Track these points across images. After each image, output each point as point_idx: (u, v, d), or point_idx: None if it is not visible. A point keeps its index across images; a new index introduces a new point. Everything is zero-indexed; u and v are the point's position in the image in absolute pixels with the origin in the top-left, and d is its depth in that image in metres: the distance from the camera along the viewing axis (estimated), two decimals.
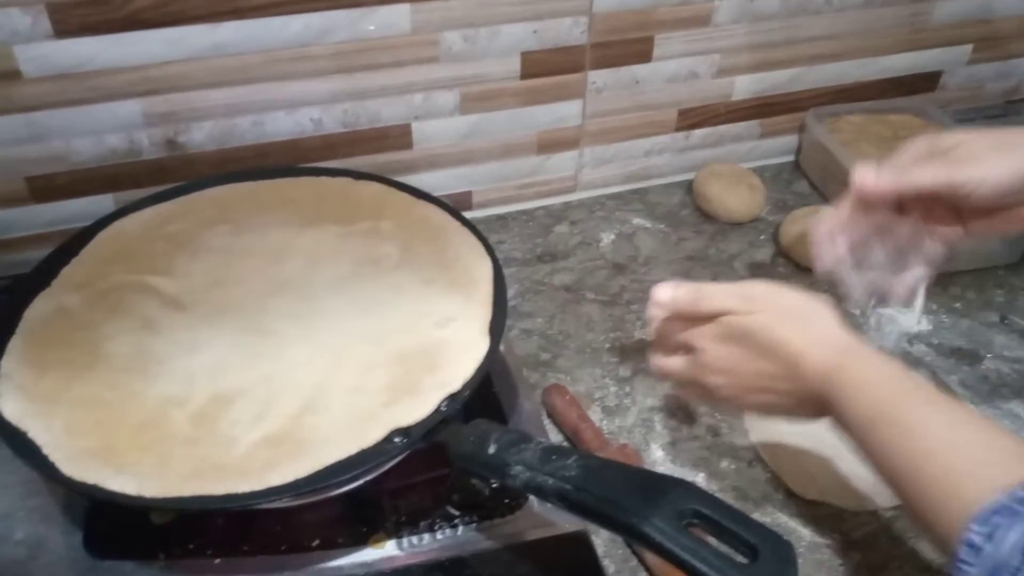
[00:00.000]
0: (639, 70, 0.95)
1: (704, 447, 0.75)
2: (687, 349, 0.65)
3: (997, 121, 1.12)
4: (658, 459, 0.74)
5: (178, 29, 0.77)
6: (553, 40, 0.89)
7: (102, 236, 0.73)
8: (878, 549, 0.67)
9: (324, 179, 0.80)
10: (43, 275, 0.69)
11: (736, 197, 0.98)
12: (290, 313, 0.67)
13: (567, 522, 0.63)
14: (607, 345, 0.84)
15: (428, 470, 0.65)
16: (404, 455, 0.59)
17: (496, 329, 0.65)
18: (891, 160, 0.67)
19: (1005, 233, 0.69)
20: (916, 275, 0.70)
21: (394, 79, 0.86)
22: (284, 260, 0.72)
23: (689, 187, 1.03)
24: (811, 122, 1.03)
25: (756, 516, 0.51)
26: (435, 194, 0.79)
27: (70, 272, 0.70)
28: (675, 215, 1.01)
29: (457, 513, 0.63)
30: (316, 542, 0.61)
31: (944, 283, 0.91)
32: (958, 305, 0.89)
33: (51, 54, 0.75)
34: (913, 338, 0.86)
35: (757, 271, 0.93)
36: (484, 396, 0.72)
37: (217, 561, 0.60)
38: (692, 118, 1.02)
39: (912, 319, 0.88)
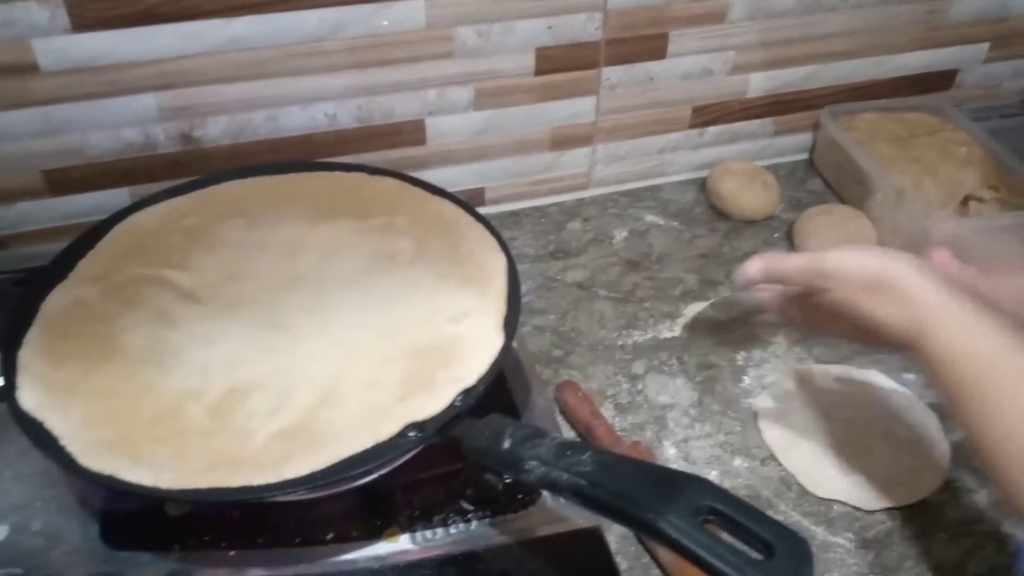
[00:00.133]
0: (653, 67, 0.95)
1: (717, 445, 0.74)
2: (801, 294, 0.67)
3: (1013, 120, 1.12)
4: (671, 457, 0.74)
5: (194, 23, 0.77)
6: (568, 36, 0.89)
7: (118, 229, 0.73)
8: (892, 548, 0.67)
9: (338, 174, 0.80)
10: (60, 268, 0.69)
11: (750, 195, 0.98)
12: (305, 307, 0.67)
13: (580, 518, 0.63)
14: (619, 342, 0.84)
15: (442, 465, 0.65)
16: (418, 449, 0.59)
17: (510, 325, 0.65)
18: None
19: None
20: None
21: (408, 75, 0.86)
22: (299, 254, 0.72)
23: (703, 184, 1.03)
24: (826, 120, 1.03)
25: (769, 514, 0.51)
26: (448, 190, 0.79)
27: (86, 265, 0.70)
28: (688, 212, 1.00)
29: (470, 508, 0.63)
30: (330, 535, 0.62)
31: None
32: None
33: (68, 48, 0.75)
34: None
35: None
36: (497, 392, 0.72)
37: (232, 553, 0.61)
38: (706, 115, 1.02)
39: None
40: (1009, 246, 0.72)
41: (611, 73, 0.94)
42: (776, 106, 1.04)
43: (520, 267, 0.71)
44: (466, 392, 0.60)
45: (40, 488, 0.64)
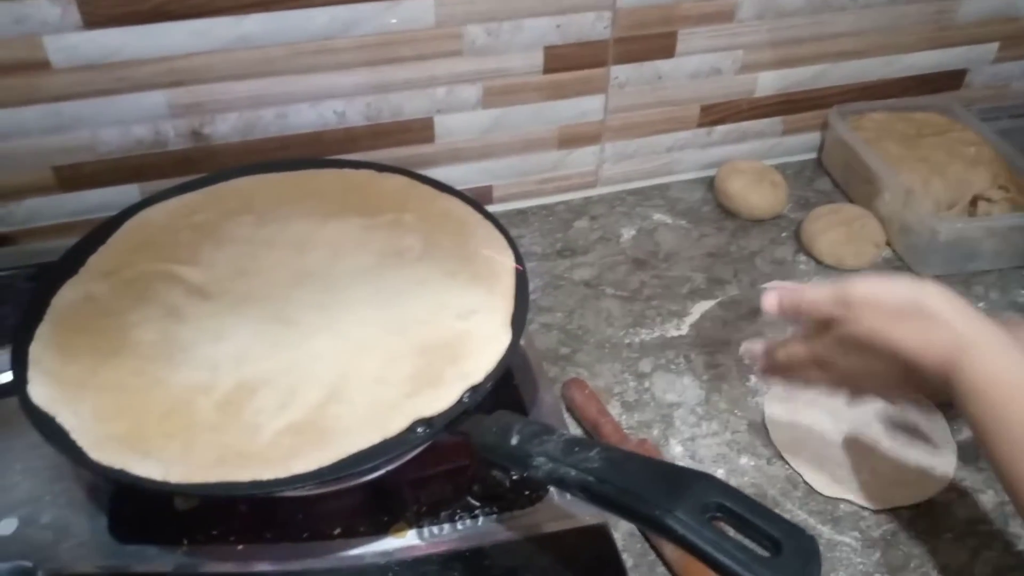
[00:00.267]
0: (662, 65, 0.95)
1: (724, 444, 0.74)
2: (812, 356, 0.63)
3: (1023, 120, 1.12)
4: (677, 455, 0.74)
5: (204, 21, 0.77)
6: (576, 35, 0.89)
7: (128, 225, 0.74)
8: (898, 548, 0.67)
9: (347, 171, 0.80)
10: (70, 263, 0.69)
11: (758, 194, 0.98)
12: (313, 303, 0.67)
13: (587, 515, 0.63)
14: (627, 340, 0.84)
15: (449, 461, 0.66)
16: (426, 445, 0.60)
17: (518, 322, 0.65)
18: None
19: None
20: None
21: (417, 72, 0.87)
22: (308, 251, 0.72)
23: (711, 183, 1.03)
24: (834, 119, 1.02)
25: (777, 512, 0.51)
26: (456, 188, 0.79)
27: (97, 260, 0.70)
28: (696, 211, 1.00)
29: (477, 504, 0.64)
30: (338, 530, 0.62)
31: (967, 282, 0.91)
32: (981, 305, 0.89)
33: (79, 45, 0.75)
34: None
35: (778, 269, 0.92)
36: (505, 389, 0.72)
37: (239, 547, 0.61)
38: (714, 114, 1.02)
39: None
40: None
41: (619, 72, 0.94)
42: (784, 105, 1.04)
43: (527, 265, 0.71)
44: (474, 389, 0.60)
45: (49, 482, 0.64)
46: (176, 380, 0.61)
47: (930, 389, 0.61)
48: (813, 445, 0.74)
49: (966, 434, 0.74)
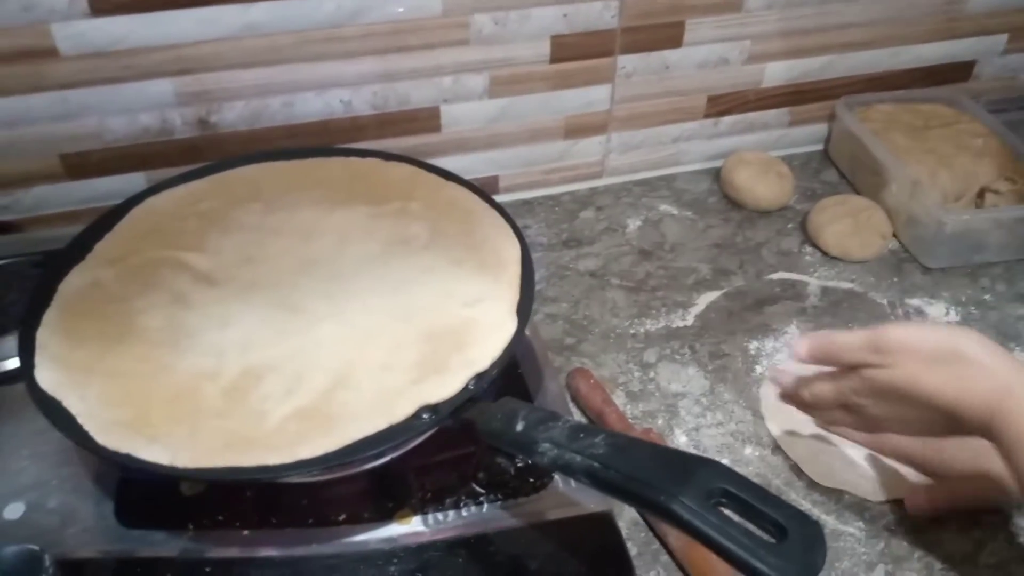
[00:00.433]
0: (669, 55, 0.95)
1: (728, 434, 0.74)
2: (840, 400, 0.62)
3: None
4: (682, 444, 0.74)
5: (211, 9, 0.77)
6: (583, 24, 0.89)
7: (135, 212, 0.74)
8: (902, 538, 0.67)
9: (354, 159, 0.80)
10: (78, 250, 0.70)
11: (764, 185, 0.97)
12: (320, 291, 0.67)
13: (591, 502, 0.63)
14: (632, 331, 0.84)
15: (454, 448, 0.66)
16: (431, 432, 0.60)
17: (523, 310, 0.65)
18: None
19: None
20: None
21: (424, 61, 0.87)
22: (314, 239, 0.72)
23: (717, 174, 1.02)
24: (841, 111, 1.02)
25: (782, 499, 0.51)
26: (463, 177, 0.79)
27: (104, 247, 0.70)
28: (702, 202, 1.00)
29: (482, 491, 0.64)
30: (343, 516, 0.62)
31: (974, 274, 0.91)
32: (987, 297, 0.88)
33: (87, 32, 0.75)
34: None
35: (784, 260, 0.92)
36: (510, 378, 0.72)
37: (245, 533, 0.61)
38: (721, 105, 1.01)
39: (940, 310, 0.87)
40: None
41: (626, 61, 0.94)
42: (792, 96, 1.03)
43: (533, 255, 0.71)
44: (479, 376, 0.60)
45: (56, 467, 0.64)
46: (182, 366, 0.62)
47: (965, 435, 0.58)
48: (811, 437, 0.73)
49: None
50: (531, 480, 0.64)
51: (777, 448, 0.73)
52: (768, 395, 0.77)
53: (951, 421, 0.54)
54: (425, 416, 0.57)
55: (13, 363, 0.63)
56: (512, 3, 0.85)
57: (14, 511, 0.61)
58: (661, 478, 0.46)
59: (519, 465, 0.65)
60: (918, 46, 1.03)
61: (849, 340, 0.59)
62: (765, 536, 0.44)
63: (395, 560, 0.60)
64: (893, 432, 0.61)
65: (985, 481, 0.63)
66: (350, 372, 0.61)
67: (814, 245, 0.94)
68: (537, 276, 0.68)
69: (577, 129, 0.98)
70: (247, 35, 0.80)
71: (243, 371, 0.61)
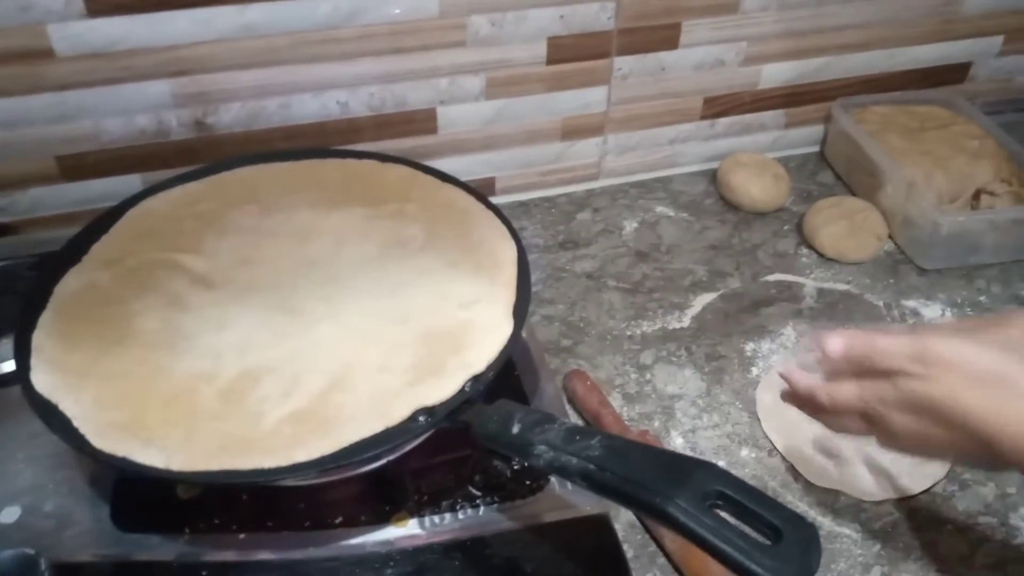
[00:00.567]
0: (665, 57, 0.95)
1: (724, 435, 0.75)
2: (862, 407, 0.56)
3: None
4: (678, 446, 0.74)
5: (208, 10, 0.77)
6: (580, 25, 0.89)
7: (131, 214, 0.74)
8: (898, 539, 0.67)
9: (351, 161, 0.80)
10: (74, 252, 0.69)
11: (760, 187, 0.97)
12: (317, 293, 0.67)
13: (588, 504, 0.63)
14: (628, 332, 0.84)
15: (451, 450, 0.66)
16: (428, 434, 0.60)
17: (520, 312, 0.65)
18: None
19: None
20: None
21: (421, 63, 0.87)
22: (311, 240, 0.72)
23: (713, 176, 1.03)
24: (837, 112, 1.02)
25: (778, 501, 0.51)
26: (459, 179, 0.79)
27: (100, 249, 0.70)
28: (699, 204, 1.00)
29: (479, 493, 0.64)
30: (339, 519, 0.62)
31: (969, 275, 0.91)
32: (983, 299, 0.89)
33: (83, 33, 0.75)
34: None
35: (780, 261, 0.92)
36: (506, 380, 0.72)
37: (241, 536, 0.61)
38: (718, 106, 1.01)
39: (935, 312, 0.87)
40: None
41: (623, 63, 0.94)
42: (788, 98, 1.04)
43: (529, 257, 0.71)
44: (475, 378, 0.60)
45: (52, 470, 0.64)
46: (179, 369, 0.61)
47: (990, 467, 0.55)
48: (806, 436, 0.73)
49: None
50: (527, 482, 0.64)
51: (773, 450, 0.73)
52: (764, 397, 0.77)
53: (983, 449, 0.50)
54: (421, 419, 0.57)
55: (8, 366, 0.62)
56: (508, 4, 0.85)
57: (10, 515, 0.61)
58: (656, 480, 0.46)
59: (515, 468, 0.65)
60: (914, 48, 1.03)
61: (891, 345, 0.54)
62: (760, 538, 0.44)
63: (392, 563, 0.60)
64: (909, 452, 0.56)
65: None
66: (347, 374, 0.61)
67: (810, 247, 0.94)
68: (534, 278, 0.68)
69: (573, 131, 0.98)
70: (244, 36, 0.80)
71: (240, 373, 0.61)
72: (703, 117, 1.02)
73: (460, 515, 0.63)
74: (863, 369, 0.55)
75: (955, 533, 0.68)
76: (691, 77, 0.98)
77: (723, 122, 1.03)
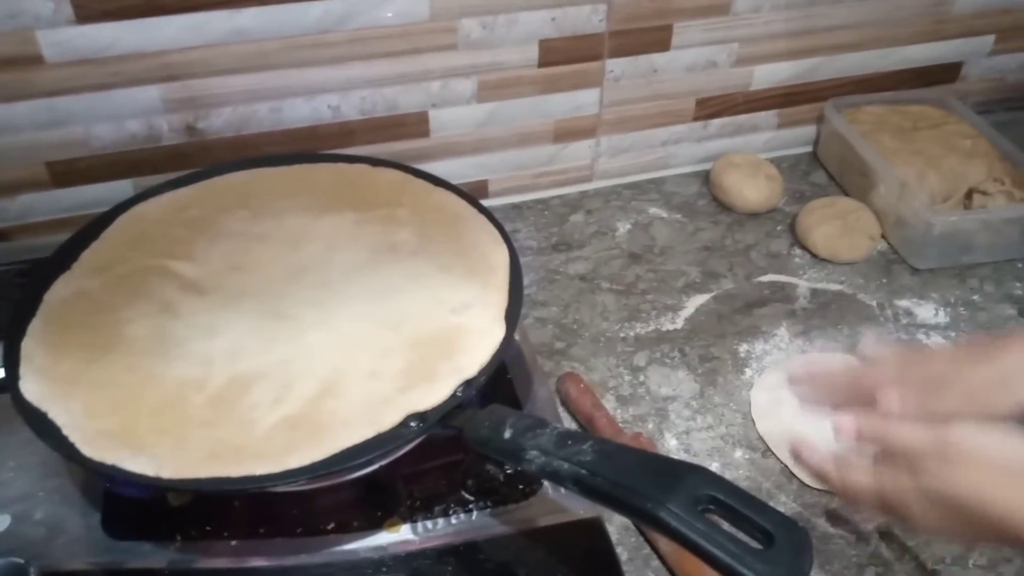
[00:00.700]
0: (657, 59, 0.95)
1: (718, 437, 0.74)
2: (879, 498, 0.53)
3: (1018, 113, 1.12)
4: (672, 448, 0.74)
5: (198, 15, 0.77)
6: (571, 28, 0.89)
7: (122, 220, 0.73)
8: (891, 540, 0.67)
9: (342, 165, 0.80)
10: (63, 258, 0.69)
11: (753, 187, 0.97)
12: (308, 298, 0.67)
13: (581, 508, 0.63)
14: (622, 334, 0.84)
15: (443, 455, 0.66)
16: (420, 440, 0.60)
17: (512, 316, 0.65)
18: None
19: None
20: None
21: (412, 66, 0.86)
22: (302, 246, 0.72)
23: (706, 177, 1.02)
24: (830, 113, 1.02)
25: (770, 505, 0.51)
26: (451, 182, 0.79)
27: (90, 256, 0.70)
28: (692, 205, 1.00)
29: (471, 498, 0.64)
30: (332, 525, 0.62)
31: (962, 275, 0.91)
32: (976, 298, 0.89)
33: (72, 39, 0.75)
34: (930, 330, 0.85)
35: (774, 262, 0.92)
36: (499, 383, 0.72)
37: (233, 543, 0.61)
38: (710, 108, 1.01)
39: (929, 311, 0.87)
40: None
41: (615, 65, 0.94)
42: (780, 98, 1.04)
43: (523, 259, 0.71)
44: (467, 383, 0.60)
45: (42, 478, 0.64)
46: (169, 376, 0.61)
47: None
48: (800, 437, 0.73)
49: None
50: (520, 487, 0.64)
51: (767, 451, 0.73)
52: (759, 397, 0.77)
53: (1014, 541, 0.47)
54: (413, 424, 0.57)
55: None
56: (500, 7, 0.85)
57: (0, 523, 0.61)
58: (648, 485, 0.46)
59: (508, 472, 0.65)
60: (906, 48, 1.03)
61: (909, 437, 0.50)
62: (752, 542, 0.44)
63: (384, 569, 0.60)
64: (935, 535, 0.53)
65: None
66: (338, 380, 0.61)
67: (803, 247, 0.94)
68: (527, 280, 0.68)
69: (566, 133, 0.98)
70: (234, 41, 0.79)
71: (231, 380, 0.61)
72: (696, 118, 1.02)
73: (453, 520, 0.62)
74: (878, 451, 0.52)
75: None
76: (683, 78, 0.97)
77: (715, 123, 1.03)
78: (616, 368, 0.80)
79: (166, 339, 0.64)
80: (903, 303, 0.88)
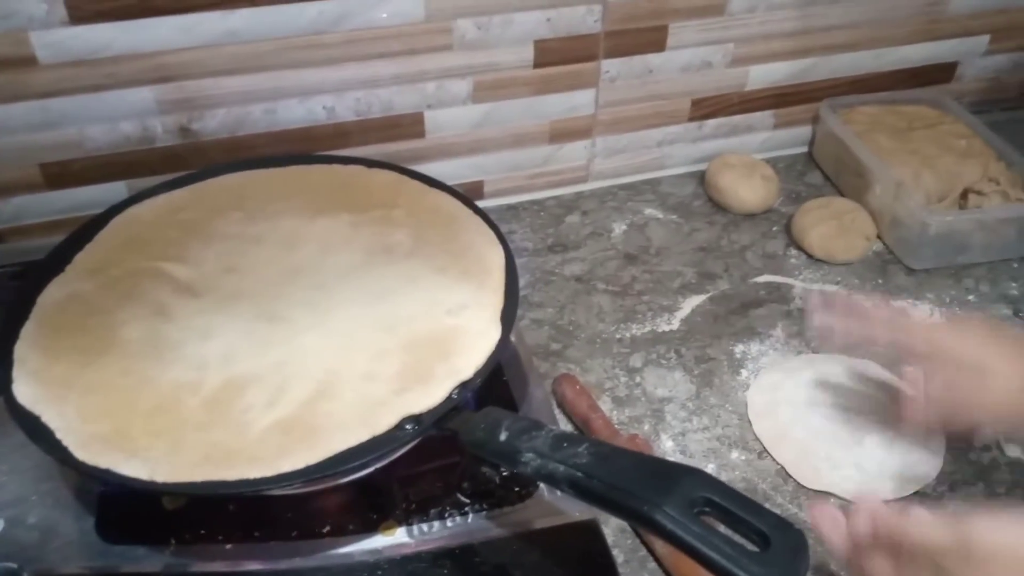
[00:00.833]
0: (653, 59, 0.94)
1: (714, 438, 0.74)
2: None
3: (1013, 113, 1.12)
4: (668, 450, 0.74)
5: (192, 16, 0.77)
6: (567, 28, 0.89)
7: (115, 222, 0.73)
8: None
9: (337, 167, 0.80)
10: (57, 261, 0.69)
11: (749, 188, 0.97)
12: (303, 300, 0.67)
13: (577, 511, 0.63)
14: (618, 335, 0.84)
15: (439, 458, 0.65)
16: (415, 442, 0.59)
17: (508, 318, 0.65)
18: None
19: None
20: None
21: (407, 67, 0.86)
22: (297, 247, 0.72)
23: (702, 178, 1.02)
24: (825, 113, 1.02)
25: (766, 507, 0.51)
26: (447, 183, 0.79)
27: (84, 258, 0.70)
28: (687, 206, 1.00)
29: (467, 501, 0.63)
30: (327, 528, 0.62)
31: (958, 275, 0.91)
32: (971, 298, 0.89)
33: (66, 40, 0.75)
34: None
35: (769, 263, 0.92)
36: (495, 385, 0.72)
37: (228, 547, 0.61)
38: (705, 108, 1.01)
39: (924, 312, 0.87)
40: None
41: (610, 66, 0.93)
42: (775, 99, 1.04)
43: (518, 260, 0.70)
44: (463, 385, 0.60)
45: (36, 482, 0.64)
46: (164, 379, 0.61)
47: None
48: (796, 438, 0.73)
49: None
50: (516, 489, 0.64)
51: (763, 452, 0.73)
52: (756, 398, 0.77)
53: None
54: (408, 427, 0.57)
55: None
56: (495, 8, 0.85)
57: None
58: (644, 487, 0.46)
59: (504, 474, 0.65)
60: (901, 48, 1.04)
61: (928, 533, 0.48)
62: (749, 545, 0.44)
63: (380, 572, 0.59)
64: None
65: None
66: (333, 382, 0.61)
67: (799, 248, 0.94)
68: (522, 281, 0.68)
69: (562, 133, 0.98)
70: (228, 42, 0.79)
71: (225, 383, 0.61)
72: (691, 119, 1.02)
73: (449, 523, 0.62)
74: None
75: None
76: (679, 79, 0.97)
77: (711, 124, 1.03)
78: (612, 369, 0.80)
79: (160, 342, 0.64)
80: (899, 303, 0.88)
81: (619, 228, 0.97)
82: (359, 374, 0.61)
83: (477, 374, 0.60)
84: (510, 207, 0.99)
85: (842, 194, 1.01)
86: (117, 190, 0.85)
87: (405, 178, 0.79)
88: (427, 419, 0.58)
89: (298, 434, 0.57)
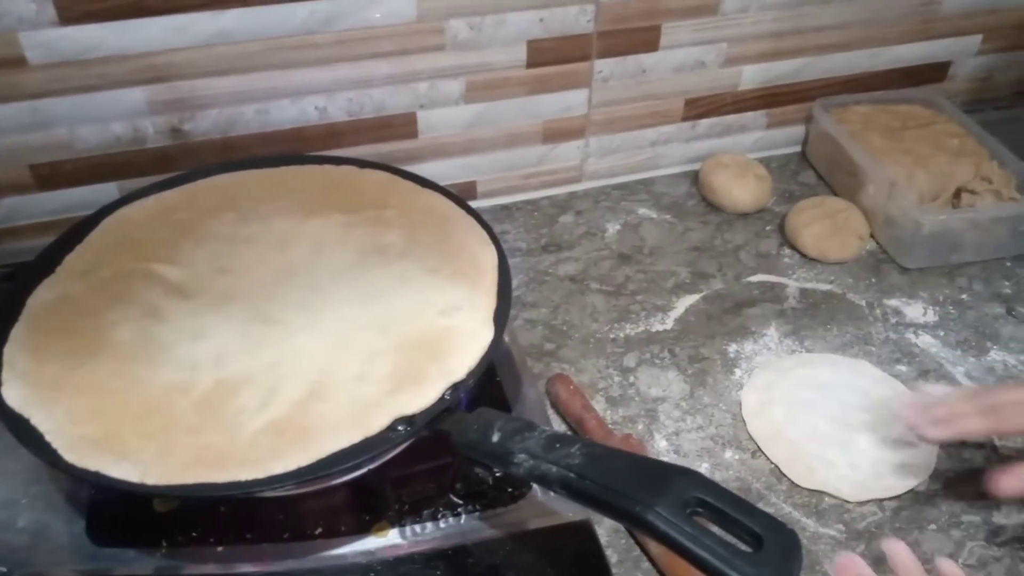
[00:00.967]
0: (646, 59, 0.94)
1: (708, 438, 0.74)
2: None
3: (1006, 112, 1.12)
4: (662, 449, 0.73)
5: (182, 16, 0.76)
6: (560, 28, 0.88)
7: (106, 223, 0.73)
8: (882, 539, 0.67)
9: (329, 167, 0.80)
10: (47, 262, 0.69)
11: (742, 187, 0.97)
12: (295, 301, 0.67)
13: (570, 511, 0.63)
14: (611, 335, 0.84)
15: (431, 459, 0.65)
16: (408, 443, 0.59)
17: (501, 318, 0.65)
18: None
19: None
20: None
21: (399, 67, 0.86)
22: (289, 248, 0.72)
23: (695, 177, 1.02)
24: (818, 112, 1.02)
25: (759, 507, 0.51)
26: (440, 183, 0.79)
27: (74, 259, 0.69)
28: (681, 205, 1.00)
29: (460, 502, 0.63)
30: (319, 530, 0.62)
31: (951, 274, 0.91)
32: (965, 296, 0.89)
33: (56, 41, 0.74)
34: (919, 329, 0.85)
35: (763, 262, 0.92)
36: (488, 385, 0.72)
37: (220, 549, 0.60)
38: (699, 108, 1.01)
39: (918, 311, 0.87)
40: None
41: (603, 66, 0.93)
42: (769, 98, 1.04)
43: (512, 261, 0.70)
44: (456, 386, 0.59)
45: (25, 485, 0.63)
46: (155, 381, 0.61)
47: None
48: (790, 437, 0.73)
49: None
50: (509, 490, 0.64)
51: (757, 452, 0.73)
52: (750, 398, 0.77)
53: None
54: (400, 428, 0.57)
55: None
56: (488, 8, 0.85)
57: None
58: (636, 488, 0.46)
59: (497, 475, 0.65)
60: (894, 47, 1.04)
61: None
62: (741, 545, 0.44)
63: (372, 573, 0.59)
64: None
65: None
66: (325, 383, 0.60)
67: (792, 247, 0.94)
68: (516, 281, 0.68)
69: (555, 133, 0.97)
70: (219, 43, 0.79)
71: (217, 384, 0.60)
72: (684, 119, 1.02)
73: (441, 524, 0.62)
74: None
75: (938, 533, 0.67)
76: (672, 79, 0.97)
77: (704, 123, 1.03)
78: (606, 369, 0.80)
79: (151, 343, 0.63)
80: (892, 302, 0.88)
81: (613, 228, 0.97)
82: (351, 375, 0.61)
83: (470, 375, 0.60)
84: (503, 207, 0.99)
85: (835, 193, 1.01)
86: (108, 191, 0.85)
87: (398, 178, 0.78)
88: (419, 420, 0.57)
89: (290, 435, 0.57)
